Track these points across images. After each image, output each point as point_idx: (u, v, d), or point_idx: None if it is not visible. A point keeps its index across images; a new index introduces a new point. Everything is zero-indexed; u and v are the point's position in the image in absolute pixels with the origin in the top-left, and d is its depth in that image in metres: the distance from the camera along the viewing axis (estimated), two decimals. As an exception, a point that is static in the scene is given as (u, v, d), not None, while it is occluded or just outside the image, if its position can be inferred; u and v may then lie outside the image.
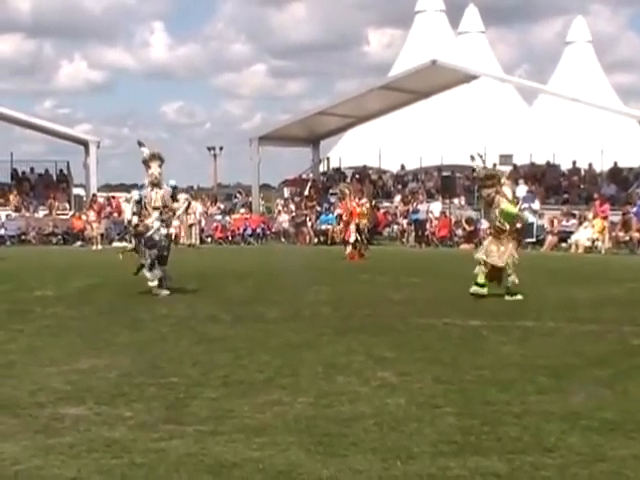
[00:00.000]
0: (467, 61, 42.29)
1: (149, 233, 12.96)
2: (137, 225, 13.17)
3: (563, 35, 58.46)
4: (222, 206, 35.14)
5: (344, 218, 23.04)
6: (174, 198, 13.54)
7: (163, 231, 13.10)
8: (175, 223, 17.64)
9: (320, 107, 37.77)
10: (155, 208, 12.97)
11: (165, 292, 12.86)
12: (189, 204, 14.70)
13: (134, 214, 13.24)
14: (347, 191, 23.51)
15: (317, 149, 39.97)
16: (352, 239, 22.37)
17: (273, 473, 4.70)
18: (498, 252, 12.73)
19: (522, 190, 31.68)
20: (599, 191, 30.77)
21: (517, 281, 12.66)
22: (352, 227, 22.46)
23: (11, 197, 33.47)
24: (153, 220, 12.99)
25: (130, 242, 14.01)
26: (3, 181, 35.86)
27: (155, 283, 12.91)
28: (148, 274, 12.94)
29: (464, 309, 11.48)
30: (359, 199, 23.64)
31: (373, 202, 32.00)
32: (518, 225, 13.55)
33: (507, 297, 12.53)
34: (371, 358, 7.92)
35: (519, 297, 12.46)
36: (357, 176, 37.37)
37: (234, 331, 9.57)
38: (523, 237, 14.89)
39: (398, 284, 15.05)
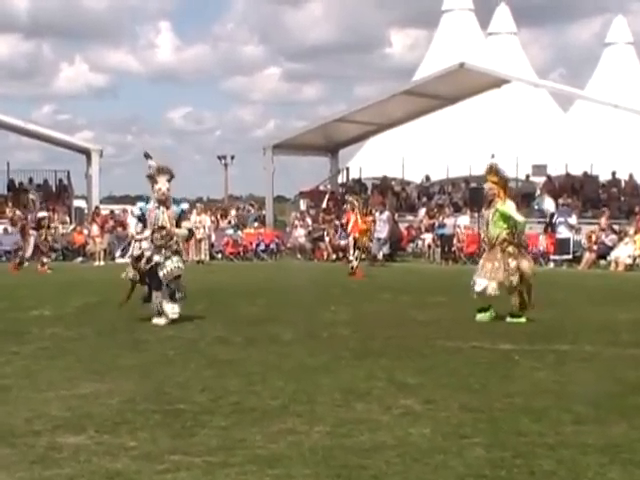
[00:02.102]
0: (497, 64, 42.34)
1: (145, 263, 12.19)
2: (139, 258, 12.40)
3: (602, 36, 58.63)
4: (233, 221, 35.02)
5: (347, 230, 23.85)
6: (177, 223, 12.42)
7: (158, 258, 12.12)
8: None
9: (339, 113, 37.88)
10: (160, 228, 12.15)
11: (162, 321, 12.05)
12: (191, 234, 13.50)
13: (135, 240, 12.59)
14: (356, 203, 23.82)
15: (335, 158, 40.05)
16: (352, 254, 22.92)
17: (287, 508, 4.70)
18: (492, 269, 12.51)
19: (549, 204, 31.70)
20: (640, 204, 30.65)
21: (517, 303, 12.49)
22: (350, 240, 23.17)
23: (7, 210, 33.55)
24: (145, 244, 12.26)
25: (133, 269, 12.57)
26: (-1, 192, 36.05)
27: (176, 316, 12.07)
28: (158, 320, 12.08)
29: (494, 331, 11.44)
30: (365, 214, 24.37)
31: (395, 216, 32.08)
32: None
33: (508, 319, 12.43)
34: (393, 384, 7.90)
35: (522, 320, 12.33)
36: (378, 187, 37.43)
37: (246, 354, 9.57)
38: (526, 249, 14.52)
39: (422, 304, 15.03)
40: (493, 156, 13.37)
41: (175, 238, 12.28)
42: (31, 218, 27.10)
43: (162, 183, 12.25)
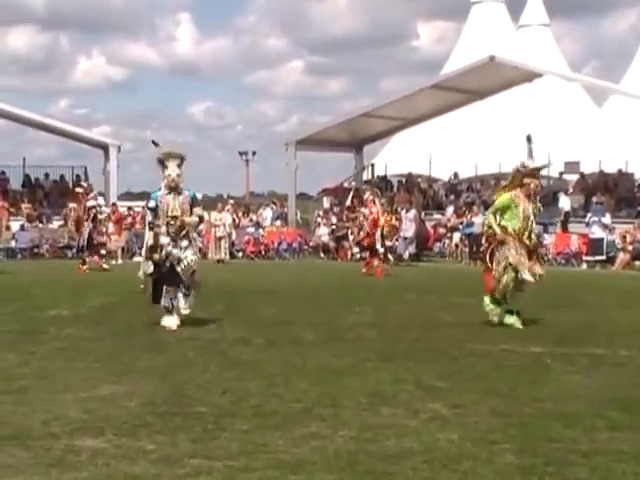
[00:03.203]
0: (529, 57, 42.19)
1: (162, 255, 11.95)
2: (153, 247, 12.10)
3: (638, 28, 58.33)
4: (253, 217, 35.05)
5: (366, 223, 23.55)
6: (190, 209, 12.19)
7: (176, 252, 11.96)
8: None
9: (364, 108, 37.84)
10: (173, 217, 11.99)
11: (174, 322, 11.84)
12: (201, 220, 13.25)
13: (150, 227, 12.28)
14: (371, 197, 23.79)
15: (360, 155, 40.03)
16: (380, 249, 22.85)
17: (311, 514, 4.71)
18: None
19: (565, 202, 31.66)
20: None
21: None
22: (377, 235, 23.00)
23: (23, 206, 33.72)
24: (162, 238, 11.99)
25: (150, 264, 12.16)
26: (15, 188, 36.20)
27: (188, 311, 12.04)
28: (183, 303, 12.04)
29: (524, 334, 11.41)
30: (389, 213, 24.39)
31: (422, 214, 32.06)
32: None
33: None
34: (420, 388, 7.90)
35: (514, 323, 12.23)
36: (404, 185, 37.40)
37: (267, 355, 9.59)
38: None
39: (450, 305, 15.01)
40: (530, 139, 13.31)
41: (187, 227, 12.12)
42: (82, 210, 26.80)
43: (172, 169, 11.98)
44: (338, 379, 8.24)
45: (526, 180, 12.48)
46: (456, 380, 8.25)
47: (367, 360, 9.29)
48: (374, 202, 23.47)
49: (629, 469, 5.47)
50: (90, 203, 25.70)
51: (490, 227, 12.50)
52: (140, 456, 5.70)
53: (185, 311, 12.05)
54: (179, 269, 11.99)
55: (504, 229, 12.31)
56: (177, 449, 5.86)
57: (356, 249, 22.89)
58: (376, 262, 22.70)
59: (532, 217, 12.48)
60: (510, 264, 12.14)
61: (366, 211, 23.74)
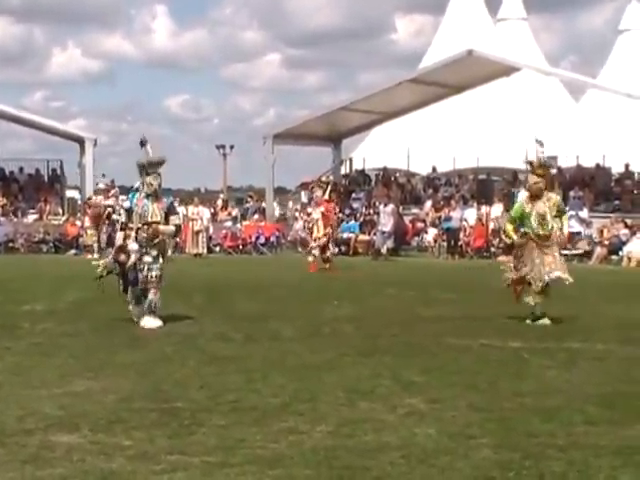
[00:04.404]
0: (507, 51, 42.25)
1: (129, 262, 11.64)
2: (121, 248, 11.81)
3: (615, 22, 58.36)
4: (235, 213, 34.98)
5: (314, 216, 23.02)
6: (166, 216, 11.86)
7: (147, 259, 11.65)
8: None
9: (342, 102, 37.81)
10: (147, 223, 11.63)
11: (157, 322, 11.60)
12: (177, 230, 12.71)
13: (121, 228, 11.96)
14: (319, 192, 23.42)
15: (338, 149, 40.03)
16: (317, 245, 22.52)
17: (288, 510, 4.70)
18: (555, 260, 12.32)
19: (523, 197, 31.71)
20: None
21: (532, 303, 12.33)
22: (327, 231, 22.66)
23: (-1, 200, 33.58)
24: (131, 243, 11.67)
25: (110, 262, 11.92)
26: (-12, 182, 36.03)
27: (143, 321, 11.60)
28: (134, 309, 11.79)
29: (503, 329, 11.44)
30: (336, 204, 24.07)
31: (400, 208, 32.08)
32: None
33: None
34: (398, 383, 7.91)
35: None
36: (383, 179, 37.43)
37: (245, 351, 9.58)
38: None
39: (429, 300, 15.04)
40: (541, 143, 13.19)
41: (161, 236, 11.80)
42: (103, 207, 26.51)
43: (154, 177, 11.73)
44: (316, 374, 8.24)
45: (528, 180, 12.70)
46: (435, 375, 8.27)
47: (346, 355, 9.30)
48: (325, 198, 23.18)
49: (605, 463, 5.49)
50: (107, 202, 25.40)
51: (508, 237, 12.65)
52: (116, 452, 5.68)
53: (134, 318, 11.71)
54: (141, 276, 11.65)
55: (525, 235, 12.35)
56: (153, 445, 5.85)
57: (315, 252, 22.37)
58: (312, 257, 22.55)
59: (549, 214, 12.39)
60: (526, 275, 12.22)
61: (318, 211, 23.03)
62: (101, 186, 29.63)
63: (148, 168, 11.79)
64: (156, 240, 11.74)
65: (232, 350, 9.62)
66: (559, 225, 12.53)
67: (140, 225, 11.70)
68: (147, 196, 11.79)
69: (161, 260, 11.81)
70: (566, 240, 13.43)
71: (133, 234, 11.72)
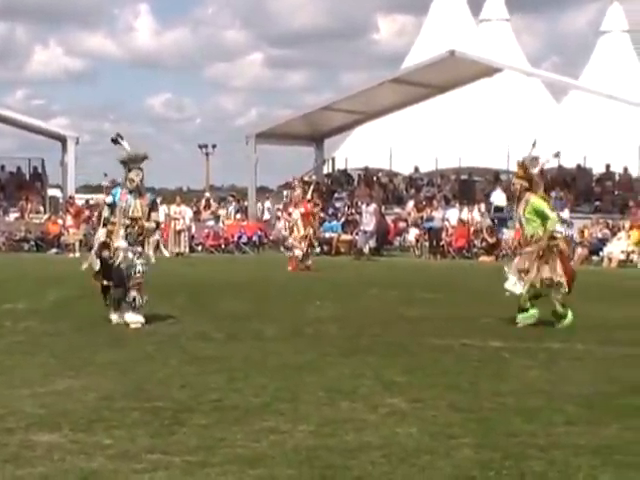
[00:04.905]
0: (489, 52, 42.39)
1: (115, 262, 11.53)
2: (105, 244, 11.73)
3: (596, 24, 58.63)
4: (222, 212, 34.92)
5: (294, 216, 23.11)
6: (148, 213, 11.76)
7: (131, 257, 11.55)
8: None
9: (324, 102, 37.91)
10: (132, 219, 11.55)
11: (139, 318, 11.49)
12: (157, 226, 12.58)
13: (104, 224, 11.87)
14: (298, 191, 23.59)
15: (321, 148, 40.08)
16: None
17: (270, 510, 4.70)
18: (524, 268, 12.14)
19: (498, 198, 31.90)
20: (635, 198, 30.79)
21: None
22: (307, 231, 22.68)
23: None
24: (120, 241, 11.54)
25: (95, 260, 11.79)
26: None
27: (125, 316, 11.47)
28: (113, 316, 11.66)
29: (484, 329, 11.47)
30: (315, 204, 24.00)
31: (382, 208, 32.13)
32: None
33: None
34: (380, 382, 7.92)
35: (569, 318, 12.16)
36: (365, 179, 37.46)
37: (227, 350, 9.57)
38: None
39: (411, 300, 15.06)
40: (534, 144, 13.00)
41: (145, 233, 11.75)
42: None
43: (135, 173, 11.59)
44: (298, 374, 8.24)
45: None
46: (416, 375, 8.28)
47: (327, 355, 9.30)
48: (305, 198, 23.27)
49: (585, 462, 5.51)
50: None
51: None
52: (97, 451, 5.66)
53: (119, 319, 11.56)
54: (127, 273, 11.54)
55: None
56: (135, 444, 5.83)
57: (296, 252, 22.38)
58: (291, 254, 22.64)
59: (523, 218, 12.06)
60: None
61: (297, 212, 23.08)
62: (105, 184, 29.69)
63: (130, 163, 11.68)
64: (141, 237, 11.71)
65: (214, 350, 9.60)
66: (536, 229, 12.01)
67: (128, 222, 11.60)
68: (130, 192, 11.69)
69: (144, 259, 11.72)
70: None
71: (122, 231, 11.61)
